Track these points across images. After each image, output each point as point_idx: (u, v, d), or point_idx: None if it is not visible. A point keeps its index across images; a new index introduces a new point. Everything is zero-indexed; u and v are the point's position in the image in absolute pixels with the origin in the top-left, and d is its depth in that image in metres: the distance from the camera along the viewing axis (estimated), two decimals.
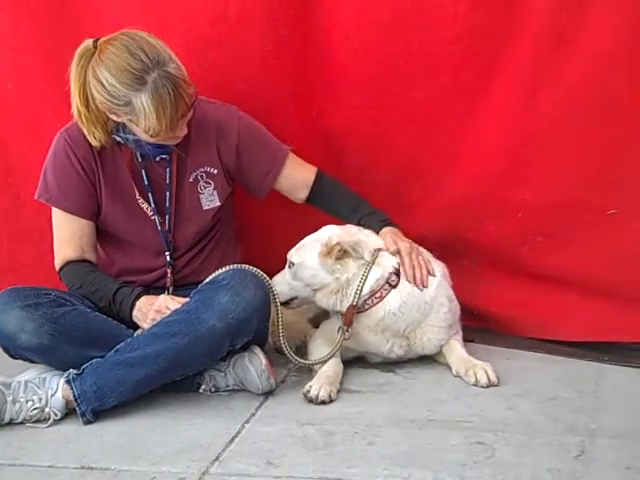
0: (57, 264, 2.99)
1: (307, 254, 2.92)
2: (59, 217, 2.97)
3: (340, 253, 2.87)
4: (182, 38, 3.05)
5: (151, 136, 2.76)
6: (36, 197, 2.99)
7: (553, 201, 3.06)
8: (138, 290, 2.89)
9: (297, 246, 2.96)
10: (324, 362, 2.89)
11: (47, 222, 3.05)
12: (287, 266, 2.95)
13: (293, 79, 3.16)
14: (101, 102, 2.76)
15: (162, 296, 2.86)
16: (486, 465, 2.33)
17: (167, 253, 2.98)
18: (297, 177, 3.07)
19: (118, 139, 2.90)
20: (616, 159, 2.97)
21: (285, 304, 2.97)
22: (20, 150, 3.35)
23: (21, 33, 3.25)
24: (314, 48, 3.13)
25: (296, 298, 2.98)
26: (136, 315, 2.85)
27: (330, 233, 2.91)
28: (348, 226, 2.99)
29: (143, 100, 2.69)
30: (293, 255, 2.95)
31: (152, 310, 2.82)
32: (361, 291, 2.87)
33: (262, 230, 3.30)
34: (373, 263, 2.88)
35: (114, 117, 2.80)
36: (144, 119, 2.71)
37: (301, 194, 3.09)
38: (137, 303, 2.86)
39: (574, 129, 2.98)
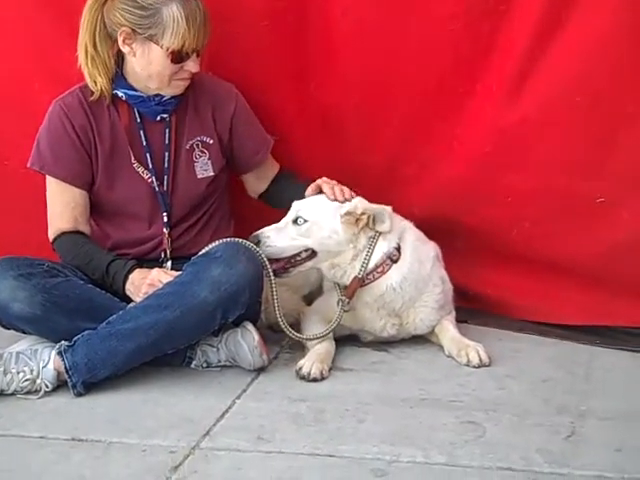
0: (50, 235, 2.98)
1: (325, 215, 2.87)
2: (52, 186, 2.96)
3: (365, 223, 2.84)
4: None
5: (172, 53, 2.78)
6: (29, 165, 2.97)
7: (541, 187, 3.05)
8: (131, 263, 2.89)
9: (308, 203, 2.91)
10: (322, 337, 2.88)
11: (33, 199, 3.03)
12: (291, 220, 2.89)
13: (290, 54, 3.14)
14: (126, 20, 2.78)
15: (155, 269, 2.86)
16: (476, 444, 2.34)
17: (164, 214, 2.97)
18: (269, 165, 3.15)
19: (120, 94, 2.91)
20: (606, 147, 2.95)
21: (284, 272, 2.90)
22: (5, 125, 3.30)
23: (5, 8, 3.23)
24: (311, 24, 3.10)
25: (295, 265, 2.90)
26: (129, 288, 2.85)
27: (353, 201, 2.88)
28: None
29: (174, 8, 2.76)
30: (305, 212, 2.88)
31: (145, 284, 2.81)
32: (368, 264, 2.86)
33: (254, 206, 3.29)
34: (380, 235, 2.87)
35: (127, 48, 2.81)
36: (172, 27, 2.76)
37: (263, 184, 3.15)
38: (130, 276, 2.85)
39: (565, 115, 2.96)
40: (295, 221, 2.88)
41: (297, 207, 2.91)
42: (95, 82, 2.88)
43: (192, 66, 2.86)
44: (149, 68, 2.85)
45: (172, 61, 2.82)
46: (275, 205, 3.08)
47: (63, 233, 2.95)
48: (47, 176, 2.96)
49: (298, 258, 2.89)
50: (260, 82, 3.15)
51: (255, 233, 2.87)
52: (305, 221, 2.87)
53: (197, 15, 2.78)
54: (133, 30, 2.80)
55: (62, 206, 2.95)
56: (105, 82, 2.88)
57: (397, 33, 3.06)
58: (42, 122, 2.98)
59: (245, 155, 3.07)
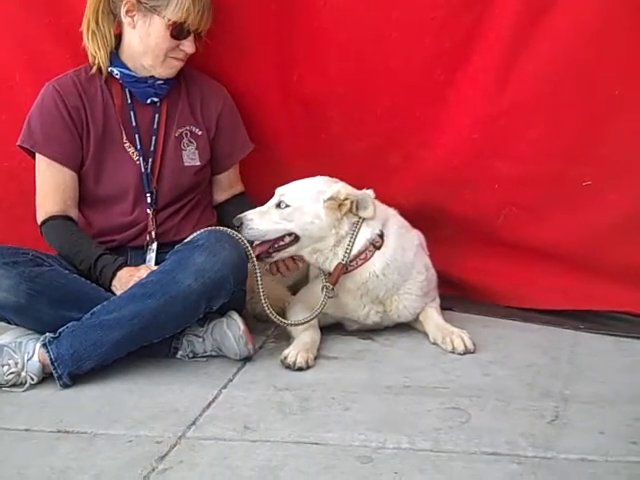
0: (39, 218, 2.96)
1: (308, 200, 2.87)
2: (42, 167, 2.95)
3: (348, 208, 2.84)
4: None
5: (174, 25, 2.82)
6: (18, 143, 2.97)
7: (529, 172, 3.07)
8: (121, 260, 2.88)
9: (291, 188, 2.90)
10: (307, 322, 2.88)
11: (18, 189, 3.01)
12: (274, 205, 2.88)
13: (273, 45, 3.14)
14: None
15: (143, 267, 2.86)
16: (461, 430, 2.35)
17: (148, 195, 2.97)
18: (236, 179, 3.16)
19: (115, 72, 2.93)
20: (592, 131, 2.97)
21: (267, 257, 2.88)
22: None
23: None
24: (293, 14, 3.11)
25: (279, 250, 2.89)
26: (115, 284, 2.84)
27: (336, 186, 2.87)
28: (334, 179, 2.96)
29: None
30: (289, 196, 2.87)
31: (132, 281, 2.80)
32: (351, 250, 2.86)
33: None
34: (363, 222, 2.87)
35: (129, 17, 2.86)
36: (176, 2, 2.80)
37: (224, 195, 3.15)
38: (118, 273, 2.85)
39: (551, 101, 2.98)
40: (278, 205, 2.88)
41: (280, 191, 2.90)
42: (94, 57, 2.92)
43: (188, 46, 2.89)
44: (147, 40, 2.87)
45: (171, 35, 2.85)
46: (225, 221, 3.06)
47: (52, 217, 2.94)
48: (37, 156, 2.95)
49: (282, 243, 2.88)
50: (243, 73, 3.16)
51: (238, 216, 2.88)
52: (288, 205, 2.87)
53: None
54: (138, 0, 2.83)
55: (52, 187, 2.94)
56: (103, 56, 2.92)
57: (379, 22, 3.06)
58: (26, 112, 2.98)
59: (223, 154, 3.09)
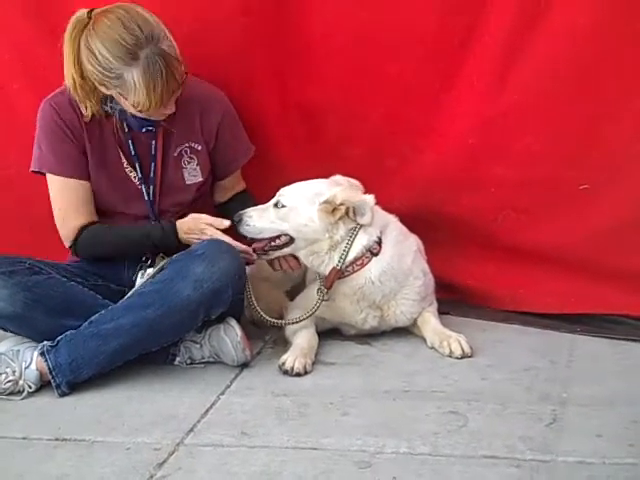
0: (70, 235, 2.91)
1: (303, 202, 2.87)
2: (59, 186, 2.91)
3: (343, 213, 2.84)
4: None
5: (139, 111, 2.76)
6: (32, 169, 2.93)
7: (525, 176, 3.07)
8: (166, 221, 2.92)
9: (290, 188, 2.91)
10: (297, 322, 2.89)
11: (15, 198, 3.00)
12: (273, 204, 2.90)
13: (267, 51, 3.15)
14: (92, 73, 2.74)
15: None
16: (459, 434, 2.35)
17: (151, 215, 2.97)
18: (238, 178, 3.16)
19: (107, 109, 2.89)
20: (589, 135, 2.98)
21: (263, 254, 2.90)
22: None
23: None
24: (288, 20, 3.12)
25: (274, 249, 2.90)
26: (185, 232, 2.86)
27: (334, 190, 2.86)
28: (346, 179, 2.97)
29: (134, 75, 2.69)
30: (286, 197, 2.89)
31: (201, 223, 2.84)
32: (347, 256, 2.86)
33: None
34: (360, 227, 2.87)
35: (103, 89, 2.79)
36: (134, 94, 2.71)
37: (226, 195, 3.15)
38: (177, 224, 2.87)
39: (547, 105, 2.98)
40: (276, 204, 2.89)
41: (281, 191, 2.91)
42: (86, 107, 2.86)
43: (167, 108, 2.81)
44: (126, 107, 2.81)
45: (141, 113, 2.78)
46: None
47: (85, 226, 2.91)
48: (50, 176, 2.91)
49: (278, 242, 2.89)
50: (240, 80, 3.16)
51: (239, 212, 2.90)
52: (284, 206, 2.88)
53: (158, 80, 2.69)
54: (102, 84, 2.76)
55: (74, 202, 2.91)
56: (95, 105, 2.85)
57: (375, 27, 3.07)
58: (23, 121, 2.99)
59: (225, 162, 3.07)
